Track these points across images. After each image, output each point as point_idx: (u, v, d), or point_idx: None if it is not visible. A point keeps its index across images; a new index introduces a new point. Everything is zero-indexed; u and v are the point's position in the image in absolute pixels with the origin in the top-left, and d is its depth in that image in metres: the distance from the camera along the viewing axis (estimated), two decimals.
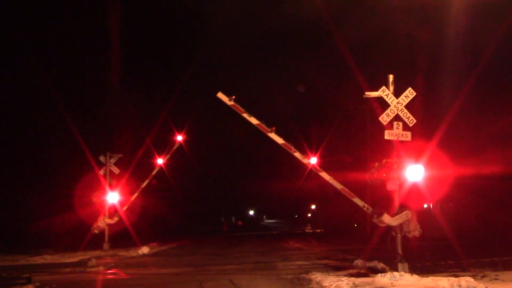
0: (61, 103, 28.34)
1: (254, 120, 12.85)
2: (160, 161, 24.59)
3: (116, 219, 22.45)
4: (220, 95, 12.70)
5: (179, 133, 24.87)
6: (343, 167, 32.53)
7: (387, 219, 12.08)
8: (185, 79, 41.87)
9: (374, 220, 12.43)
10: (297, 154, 13.06)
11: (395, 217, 12.08)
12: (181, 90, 39.51)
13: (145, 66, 41.78)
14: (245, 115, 12.80)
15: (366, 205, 12.80)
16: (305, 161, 13.28)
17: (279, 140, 12.98)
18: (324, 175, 13.12)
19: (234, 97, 12.62)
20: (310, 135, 44.15)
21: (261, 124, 12.87)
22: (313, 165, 13.39)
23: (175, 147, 24.85)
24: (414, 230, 12.17)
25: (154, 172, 24.26)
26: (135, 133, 33.22)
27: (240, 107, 12.80)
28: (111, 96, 33.05)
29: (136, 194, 23.53)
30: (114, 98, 33.03)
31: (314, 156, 13.61)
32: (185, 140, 25.08)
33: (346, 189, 13.03)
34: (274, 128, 12.74)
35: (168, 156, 24.74)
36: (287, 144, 13.06)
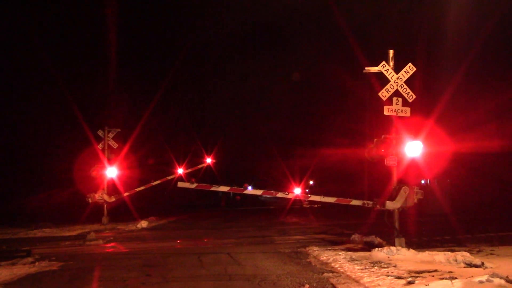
0: (59, 77, 28.23)
1: (224, 188, 13.77)
2: (180, 171, 25.09)
3: (113, 198, 22.51)
4: (181, 183, 13.71)
5: (208, 155, 26.44)
6: (341, 145, 32.64)
7: (389, 205, 12.16)
8: (181, 57, 41.65)
9: (377, 208, 12.51)
10: (279, 194, 13.56)
11: (396, 199, 12.13)
12: (176, 74, 39.85)
13: (142, 40, 41.48)
14: (213, 188, 13.62)
15: (365, 201, 12.87)
16: (289, 196, 13.71)
17: (258, 192, 14.09)
18: (314, 197, 13.58)
19: (194, 179, 13.60)
20: (294, 160, 44.71)
21: (232, 188, 13.90)
22: (297, 195, 13.72)
23: (202, 167, 25.89)
24: (412, 203, 12.25)
25: (169, 177, 24.76)
26: (133, 108, 33.21)
27: (203, 184, 13.77)
28: (108, 70, 32.84)
29: (142, 187, 23.89)
30: (112, 72, 32.81)
31: (298, 186, 13.98)
32: (214, 163, 26.60)
33: (340, 198, 13.31)
34: (246, 185, 13.52)
35: (190, 170, 25.43)
36: (267, 191, 13.96)
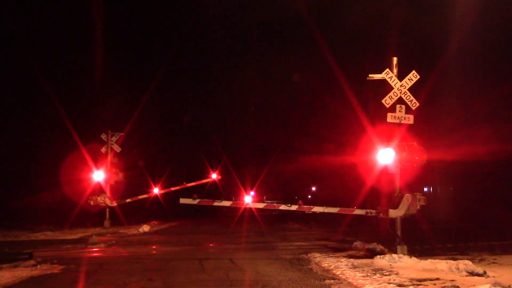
0: (60, 79, 28.31)
1: (226, 203, 14.17)
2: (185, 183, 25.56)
3: (115, 203, 22.55)
4: (183, 200, 14.01)
5: (214, 171, 27.32)
6: (344, 151, 32.59)
7: (392, 213, 12.14)
8: (173, 52, 41.60)
9: (381, 216, 12.52)
10: (282, 207, 14.07)
11: (399, 206, 12.11)
12: (176, 75, 40.10)
13: (142, 42, 41.59)
14: (216, 203, 13.98)
15: (368, 210, 12.95)
16: (292, 207, 13.99)
17: (261, 205, 14.80)
18: (317, 208, 13.71)
19: (196, 195, 13.94)
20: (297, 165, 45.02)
21: (235, 202, 14.31)
22: (299, 207, 13.84)
23: (207, 182, 26.52)
24: (415, 210, 12.23)
25: (173, 189, 25.16)
26: (134, 112, 33.14)
27: (206, 200, 14.30)
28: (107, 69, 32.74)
29: (144, 195, 24.10)
30: (104, 74, 32.64)
31: (301, 203, 14.20)
32: (219, 180, 27.42)
33: (343, 209, 13.58)
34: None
35: (194, 184, 25.97)
36: (270, 204, 14.77)
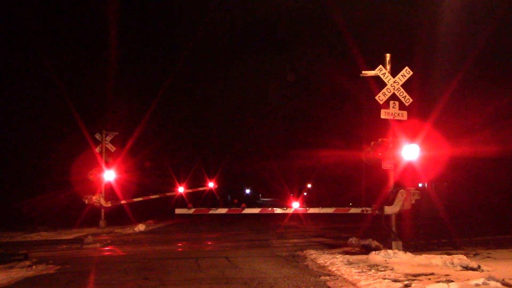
0: (57, 79, 28.24)
1: (222, 210, 14.19)
2: (181, 189, 25.69)
3: (109, 204, 22.47)
4: (179, 210, 13.97)
5: (210, 180, 28.89)
6: (339, 148, 32.70)
7: (388, 210, 12.18)
8: (180, 62, 41.86)
9: (376, 213, 12.57)
10: (277, 210, 14.06)
11: (394, 203, 12.14)
12: (176, 75, 40.28)
13: (142, 43, 41.65)
14: (211, 212, 14.09)
15: (364, 208, 13.02)
16: (288, 210, 14.03)
17: (256, 210, 14.58)
18: (313, 210, 13.79)
19: (191, 205, 14.06)
20: (292, 162, 45.30)
21: (232, 209, 14.38)
22: (296, 209, 14.00)
23: (203, 190, 26.85)
24: (410, 206, 12.27)
25: (169, 194, 25.31)
26: (133, 111, 33.16)
27: (201, 209, 14.47)
28: (108, 73, 32.80)
29: (140, 198, 24.17)
30: (111, 74, 32.75)
31: (297, 200, 14.24)
32: (216, 188, 28.05)
33: (339, 208, 13.67)
34: (244, 205, 13.97)
35: (191, 191, 26.20)
36: (265, 209, 14.68)
